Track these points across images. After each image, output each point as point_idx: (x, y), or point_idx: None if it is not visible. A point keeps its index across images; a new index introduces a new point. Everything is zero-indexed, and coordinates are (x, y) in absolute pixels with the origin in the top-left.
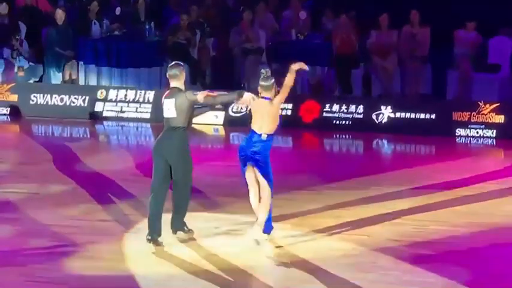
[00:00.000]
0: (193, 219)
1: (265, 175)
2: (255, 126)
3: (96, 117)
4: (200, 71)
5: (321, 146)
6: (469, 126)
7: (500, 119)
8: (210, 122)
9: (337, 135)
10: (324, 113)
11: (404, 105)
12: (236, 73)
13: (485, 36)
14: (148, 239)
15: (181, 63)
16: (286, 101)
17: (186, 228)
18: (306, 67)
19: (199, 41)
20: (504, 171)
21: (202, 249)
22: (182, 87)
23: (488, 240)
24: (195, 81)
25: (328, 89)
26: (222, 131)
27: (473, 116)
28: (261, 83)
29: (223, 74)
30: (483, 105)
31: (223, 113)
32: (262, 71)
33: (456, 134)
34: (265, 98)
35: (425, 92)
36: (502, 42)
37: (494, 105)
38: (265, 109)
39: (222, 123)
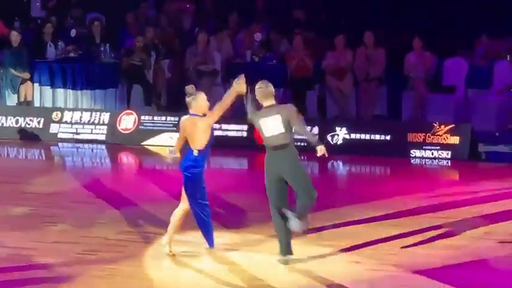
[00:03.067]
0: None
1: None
2: None
3: None
4: (155, 92)
5: None
6: (424, 147)
7: (455, 140)
8: (165, 143)
9: None
10: None
11: (360, 126)
12: None
13: (442, 57)
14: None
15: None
16: (240, 122)
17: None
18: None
19: (154, 63)
20: (459, 192)
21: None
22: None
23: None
24: (149, 102)
25: None
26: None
27: (428, 137)
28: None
29: (178, 96)
30: (438, 127)
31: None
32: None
33: (411, 155)
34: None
35: (380, 113)
36: (458, 64)
37: (450, 127)
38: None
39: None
